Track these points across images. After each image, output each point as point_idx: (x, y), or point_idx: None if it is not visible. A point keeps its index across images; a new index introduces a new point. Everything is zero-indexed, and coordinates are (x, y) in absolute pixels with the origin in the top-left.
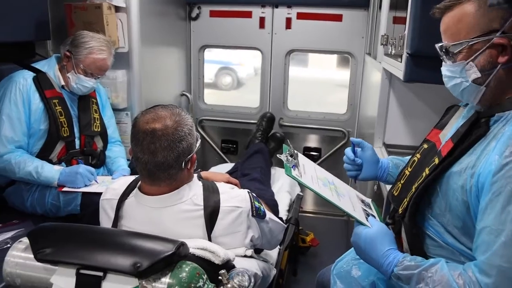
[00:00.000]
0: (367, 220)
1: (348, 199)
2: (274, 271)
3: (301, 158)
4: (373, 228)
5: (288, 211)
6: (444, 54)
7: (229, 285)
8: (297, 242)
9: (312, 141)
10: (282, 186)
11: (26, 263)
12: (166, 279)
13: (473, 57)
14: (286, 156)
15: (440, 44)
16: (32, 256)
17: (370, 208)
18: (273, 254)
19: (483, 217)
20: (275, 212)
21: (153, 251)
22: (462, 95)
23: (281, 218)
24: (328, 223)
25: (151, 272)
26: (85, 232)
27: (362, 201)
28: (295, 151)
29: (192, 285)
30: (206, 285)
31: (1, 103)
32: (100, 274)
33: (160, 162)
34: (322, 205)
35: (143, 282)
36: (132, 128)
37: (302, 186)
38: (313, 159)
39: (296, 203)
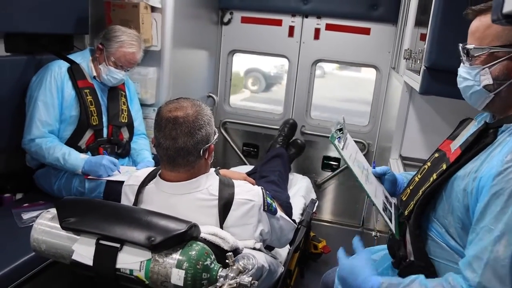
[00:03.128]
0: (383, 211)
1: (375, 188)
2: (281, 269)
3: (349, 138)
4: (355, 258)
5: (302, 214)
6: (464, 55)
7: (234, 267)
8: (309, 248)
9: (332, 150)
10: (298, 191)
11: (52, 231)
12: (176, 255)
13: (490, 64)
14: (340, 125)
15: (463, 44)
16: (57, 225)
17: (391, 206)
18: (282, 253)
19: (480, 217)
20: (289, 214)
21: (167, 228)
22: (471, 97)
23: (294, 221)
24: (342, 232)
25: (163, 247)
26: (106, 206)
27: (386, 197)
28: (346, 130)
29: (200, 262)
30: (213, 264)
31: (38, 90)
32: (117, 245)
33: (180, 147)
34: (338, 214)
35: (156, 256)
36: (156, 116)
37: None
38: (332, 168)
39: (310, 207)
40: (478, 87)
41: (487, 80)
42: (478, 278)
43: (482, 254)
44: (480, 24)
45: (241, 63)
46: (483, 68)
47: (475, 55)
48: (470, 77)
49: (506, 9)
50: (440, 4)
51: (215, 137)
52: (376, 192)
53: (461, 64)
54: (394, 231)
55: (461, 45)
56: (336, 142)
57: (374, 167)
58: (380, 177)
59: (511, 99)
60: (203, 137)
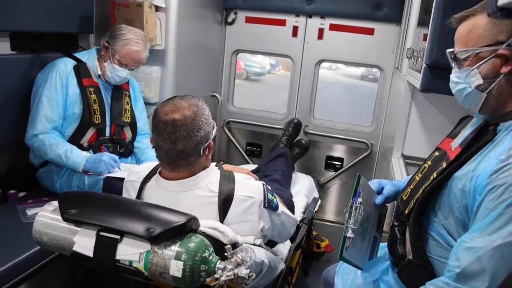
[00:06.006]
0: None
1: (367, 242)
2: (282, 265)
3: (365, 192)
4: None
5: (304, 213)
6: (453, 60)
7: (232, 259)
8: (312, 247)
9: (335, 150)
10: (301, 190)
11: (53, 223)
12: (175, 247)
13: (478, 65)
14: (356, 213)
15: (450, 50)
16: (58, 217)
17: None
18: (283, 250)
19: (474, 214)
20: (291, 212)
21: (166, 220)
22: (465, 100)
23: None
24: None
25: (162, 238)
26: (107, 199)
27: (377, 230)
28: (366, 189)
29: (199, 254)
30: (211, 257)
31: (43, 86)
32: (117, 237)
33: (180, 150)
34: (340, 214)
35: (155, 247)
36: (153, 119)
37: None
38: (335, 168)
39: (312, 205)
40: (470, 88)
41: (477, 80)
42: (461, 267)
43: (472, 243)
44: (463, 29)
45: None
46: (472, 70)
47: (462, 57)
48: (461, 80)
49: (501, 1)
50: (441, 2)
51: (214, 132)
52: (362, 248)
53: (452, 70)
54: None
55: (448, 51)
56: (346, 255)
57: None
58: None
59: (503, 97)
60: (202, 137)
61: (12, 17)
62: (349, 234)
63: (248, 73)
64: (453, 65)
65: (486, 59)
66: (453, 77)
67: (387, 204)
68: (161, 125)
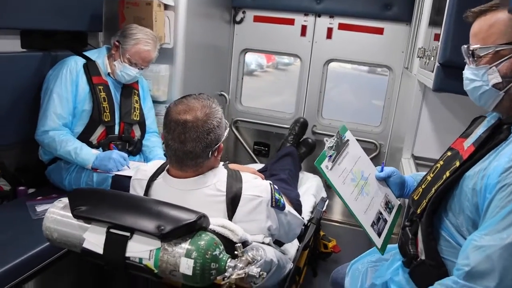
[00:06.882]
0: (371, 227)
1: (369, 200)
2: (290, 265)
3: (350, 146)
4: None
5: (312, 212)
6: (469, 56)
7: (243, 258)
8: (319, 247)
9: None
10: (308, 189)
11: (63, 220)
12: (185, 245)
13: (497, 63)
14: (332, 143)
15: (467, 46)
16: (69, 214)
17: (390, 213)
18: (291, 250)
19: (484, 213)
20: (298, 212)
21: (176, 217)
22: (480, 98)
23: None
24: (353, 233)
25: (172, 236)
26: (117, 196)
27: (387, 204)
28: (349, 141)
29: (209, 252)
30: (222, 255)
31: (54, 83)
32: (128, 234)
33: (189, 151)
34: (347, 214)
35: (165, 245)
36: (164, 117)
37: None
38: None
39: (320, 205)
40: (487, 86)
41: (496, 78)
42: (471, 266)
43: (481, 241)
44: (483, 24)
45: None
46: (490, 67)
47: (481, 55)
48: (477, 77)
49: None
50: (454, 2)
51: (226, 133)
52: (368, 206)
53: (466, 66)
54: (378, 246)
55: (464, 46)
56: (322, 165)
57: (382, 170)
58: (385, 179)
59: None
60: (212, 140)
61: (23, 15)
62: (326, 149)
63: (278, 64)
64: (468, 61)
65: (507, 57)
66: (468, 74)
67: (399, 200)
68: (172, 124)
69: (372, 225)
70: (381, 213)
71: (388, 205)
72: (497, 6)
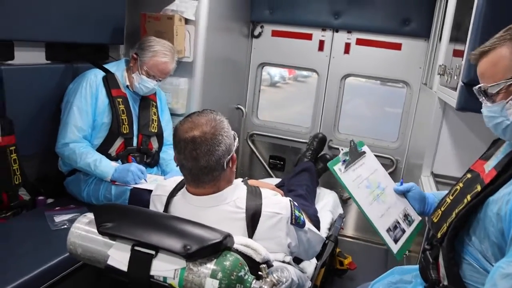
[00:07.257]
0: (386, 232)
1: (385, 207)
2: (309, 283)
3: (368, 159)
4: None
5: (329, 229)
6: (483, 96)
7: (268, 279)
8: (335, 264)
9: None
10: (325, 206)
11: (88, 236)
12: (211, 265)
13: None
14: (347, 150)
15: (478, 86)
16: (93, 229)
17: (409, 225)
18: (309, 268)
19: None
20: (317, 228)
21: (202, 237)
22: (505, 133)
23: None
24: (368, 249)
25: (198, 256)
26: (142, 213)
27: (406, 216)
28: (366, 154)
29: (235, 273)
30: (247, 276)
31: (74, 96)
32: (153, 252)
33: (203, 166)
34: (364, 231)
35: (190, 264)
36: (173, 137)
37: (350, 202)
38: None
39: (338, 222)
40: (508, 121)
41: None
42: None
43: (508, 272)
44: (486, 64)
45: None
46: (507, 102)
47: (494, 92)
48: (497, 114)
49: None
50: (480, 20)
51: (236, 143)
52: (384, 214)
53: (483, 105)
54: (394, 252)
55: (476, 88)
56: (334, 167)
57: (401, 184)
58: (404, 194)
59: None
60: (224, 151)
61: (48, 28)
62: (341, 155)
63: (298, 76)
64: (483, 100)
65: None
66: (486, 111)
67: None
68: (182, 143)
69: (387, 231)
70: (398, 223)
71: (407, 217)
72: (497, 45)
